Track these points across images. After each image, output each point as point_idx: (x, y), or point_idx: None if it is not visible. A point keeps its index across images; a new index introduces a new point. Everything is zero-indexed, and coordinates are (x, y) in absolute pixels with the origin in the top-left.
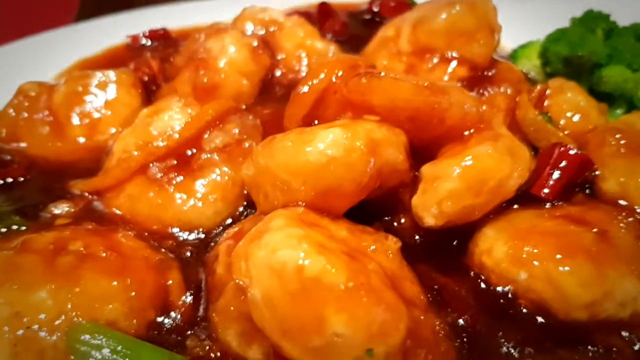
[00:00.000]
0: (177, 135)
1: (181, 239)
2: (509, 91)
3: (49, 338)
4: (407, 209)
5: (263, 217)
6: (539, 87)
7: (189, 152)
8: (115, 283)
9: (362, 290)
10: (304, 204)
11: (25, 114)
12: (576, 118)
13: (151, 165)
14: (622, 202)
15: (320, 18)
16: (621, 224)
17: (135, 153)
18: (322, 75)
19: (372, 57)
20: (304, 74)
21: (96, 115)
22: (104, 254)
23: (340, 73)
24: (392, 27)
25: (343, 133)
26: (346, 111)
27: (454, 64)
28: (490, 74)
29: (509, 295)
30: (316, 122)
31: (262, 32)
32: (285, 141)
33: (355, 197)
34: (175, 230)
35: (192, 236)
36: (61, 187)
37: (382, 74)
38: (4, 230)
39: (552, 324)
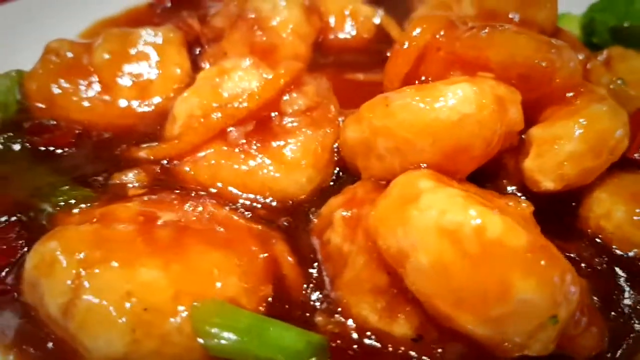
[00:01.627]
0: (257, 97)
1: (274, 207)
2: (579, 57)
3: (172, 320)
4: (510, 174)
5: (377, 182)
6: (604, 53)
7: (271, 116)
8: (226, 256)
9: (543, 253)
10: (426, 165)
11: (62, 75)
12: None
13: (230, 129)
14: None
15: None
16: None
17: (215, 115)
18: (418, 30)
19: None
20: (350, 37)
21: (146, 76)
22: (204, 225)
23: (441, 31)
24: None
25: (472, 88)
26: (453, 69)
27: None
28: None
29: (636, 259)
30: (417, 82)
31: None
32: (406, 99)
33: (483, 158)
34: (260, 198)
35: (285, 204)
36: (120, 155)
37: (506, 26)
38: (62, 203)
39: None
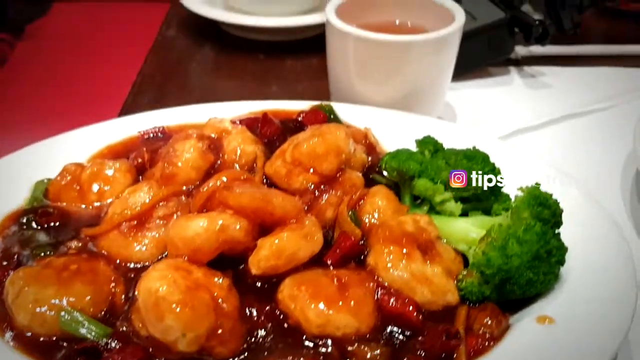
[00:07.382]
0: (138, 208)
1: (130, 267)
2: (339, 193)
3: (50, 313)
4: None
5: None
6: (358, 192)
7: (145, 218)
8: (87, 289)
9: (187, 305)
10: (185, 257)
11: (65, 184)
12: (376, 215)
13: (123, 223)
14: (373, 271)
15: (262, 124)
16: (366, 285)
17: (116, 216)
18: (211, 183)
19: (272, 162)
20: (235, 166)
21: (104, 187)
22: (86, 272)
23: (224, 180)
24: (288, 142)
25: (205, 220)
26: (218, 206)
27: (310, 173)
28: (335, 179)
29: (283, 315)
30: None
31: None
32: (181, 220)
33: (211, 256)
34: (126, 261)
35: (137, 266)
36: (77, 231)
37: (237, 190)
38: (42, 254)
39: (302, 333)
